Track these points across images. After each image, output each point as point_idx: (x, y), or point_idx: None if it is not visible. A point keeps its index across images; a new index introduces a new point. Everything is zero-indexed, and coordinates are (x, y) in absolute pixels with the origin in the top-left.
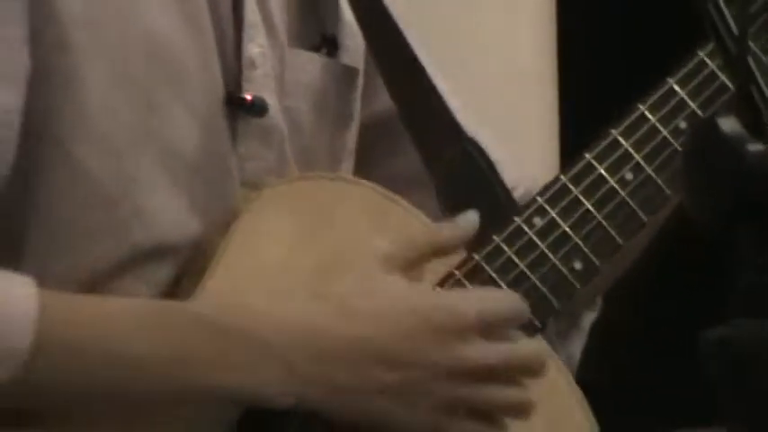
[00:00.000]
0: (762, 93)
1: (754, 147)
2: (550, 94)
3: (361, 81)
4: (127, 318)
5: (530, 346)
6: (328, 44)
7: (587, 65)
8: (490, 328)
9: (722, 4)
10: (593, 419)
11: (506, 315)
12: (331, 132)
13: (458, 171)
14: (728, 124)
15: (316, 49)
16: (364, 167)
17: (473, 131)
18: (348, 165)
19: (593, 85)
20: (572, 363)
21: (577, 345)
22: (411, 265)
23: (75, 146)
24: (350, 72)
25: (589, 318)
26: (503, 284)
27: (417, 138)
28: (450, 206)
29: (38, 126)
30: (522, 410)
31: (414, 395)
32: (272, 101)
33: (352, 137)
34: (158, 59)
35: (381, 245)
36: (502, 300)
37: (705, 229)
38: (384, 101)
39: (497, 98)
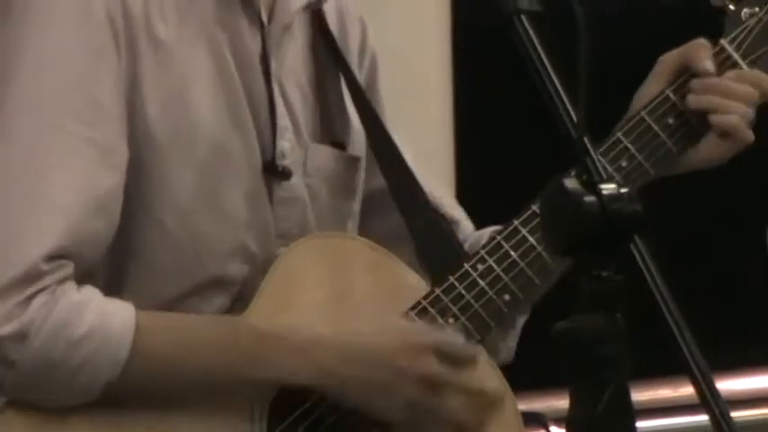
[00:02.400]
0: (593, 162)
1: (588, 198)
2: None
3: (363, 164)
4: (202, 330)
5: (473, 377)
6: (338, 144)
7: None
8: (444, 356)
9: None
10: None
11: (454, 350)
12: (340, 202)
13: (427, 232)
14: (571, 183)
15: (330, 143)
16: (367, 226)
17: (436, 199)
18: (353, 224)
19: (486, 95)
20: (511, 353)
21: (514, 339)
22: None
23: (161, 214)
24: (354, 159)
25: (522, 320)
26: (455, 310)
27: (400, 207)
28: (422, 257)
29: (134, 200)
30: (461, 420)
31: (389, 388)
32: (297, 179)
33: (356, 205)
34: (213, 149)
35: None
36: (452, 340)
37: (555, 255)
38: (380, 180)
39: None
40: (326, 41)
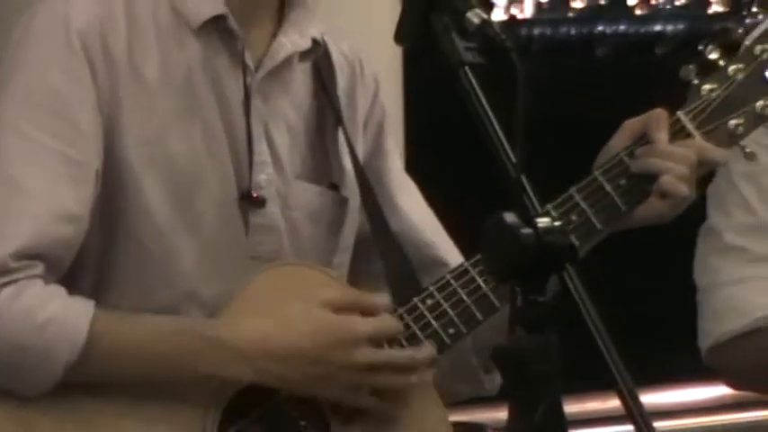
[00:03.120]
0: (531, 200)
1: (525, 230)
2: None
3: (353, 206)
4: (152, 328)
5: (404, 353)
6: (332, 185)
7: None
8: (379, 340)
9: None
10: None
11: (387, 332)
12: (324, 236)
13: (396, 274)
14: (509, 217)
15: (319, 182)
16: (357, 262)
17: (428, 241)
18: (342, 258)
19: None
20: (495, 386)
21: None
22: (340, 308)
23: (139, 234)
24: (342, 200)
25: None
26: (401, 338)
27: (379, 252)
28: (392, 295)
29: (114, 220)
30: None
31: (328, 379)
32: (274, 209)
33: (346, 241)
34: (188, 178)
35: (324, 293)
36: (385, 323)
37: (495, 281)
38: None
39: None
40: (327, 97)
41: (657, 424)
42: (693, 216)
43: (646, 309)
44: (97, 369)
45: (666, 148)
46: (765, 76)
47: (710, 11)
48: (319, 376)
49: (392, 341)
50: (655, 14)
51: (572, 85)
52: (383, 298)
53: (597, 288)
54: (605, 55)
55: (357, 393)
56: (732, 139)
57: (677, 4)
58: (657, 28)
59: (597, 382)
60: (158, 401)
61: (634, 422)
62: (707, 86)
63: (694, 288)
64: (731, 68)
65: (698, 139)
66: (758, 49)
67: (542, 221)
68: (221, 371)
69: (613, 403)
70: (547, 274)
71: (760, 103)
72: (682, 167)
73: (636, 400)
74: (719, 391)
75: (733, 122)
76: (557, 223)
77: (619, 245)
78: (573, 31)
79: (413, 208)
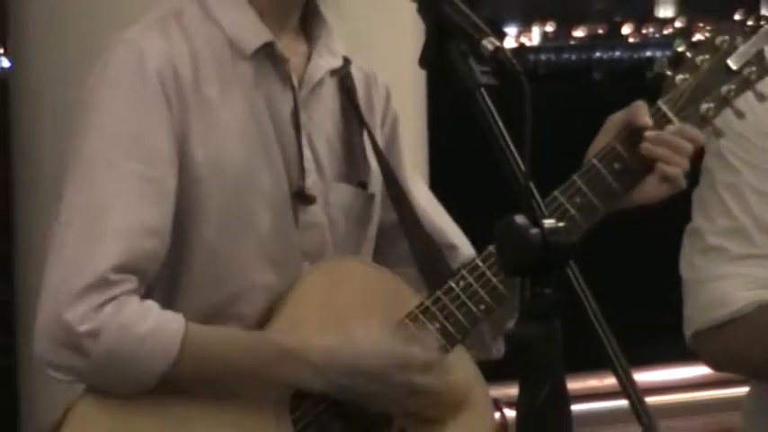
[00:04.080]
0: (538, 204)
1: (533, 231)
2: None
3: (378, 201)
4: (235, 341)
5: (443, 380)
6: (361, 183)
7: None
8: (422, 366)
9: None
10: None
11: (433, 362)
12: (356, 229)
13: (424, 256)
14: (520, 219)
15: (351, 182)
16: (383, 252)
17: (440, 228)
18: (368, 248)
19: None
20: (500, 351)
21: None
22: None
23: (203, 233)
24: (370, 196)
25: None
26: (440, 317)
27: (407, 237)
28: (423, 274)
29: (182, 224)
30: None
31: (383, 395)
32: (318, 208)
33: (371, 232)
34: (247, 183)
35: (377, 311)
36: (426, 356)
37: (509, 275)
38: (393, 216)
39: None
40: (352, 104)
41: (649, 399)
42: (679, 217)
43: (640, 302)
44: (187, 377)
45: (674, 141)
46: (727, 64)
47: (694, 39)
48: (376, 392)
49: (433, 321)
50: (646, 43)
51: (573, 103)
52: (431, 339)
53: (599, 283)
54: (602, 78)
55: (401, 406)
56: (704, 121)
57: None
58: (648, 54)
59: (596, 363)
60: (238, 408)
61: (629, 398)
62: (679, 77)
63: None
64: (698, 59)
65: (676, 123)
66: (719, 40)
67: (548, 223)
68: (296, 379)
69: (610, 381)
70: (551, 269)
71: (725, 88)
72: (685, 161)
73: (630, 378)
74: (701, 370)
75: (704, 106)
76: (561, 224)
77: (615, 247)
78: (574, 57)
79: (425, 199)
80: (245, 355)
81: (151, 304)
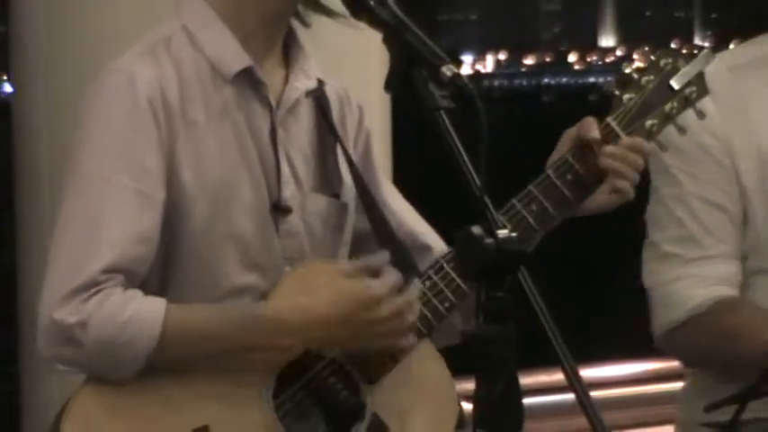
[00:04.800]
0: (493, 216)
1: (488, 240)
2: None
3: (351, 209)
4: (215, 314)
5: (407, 296)
6: (335, 194)
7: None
8: (388, 296)
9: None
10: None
11: (395, 284)
12: (331, 236)
13: (394, 257)
14: (476, 229)
15: (326, 193)
16: (358, 254)
17: (413, 230)
18: (343, 252)
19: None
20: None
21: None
22: (355, 275)
23: (191, 240)
24: (343, 205)
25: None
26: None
27: (377, 241)
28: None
29: (172, 234)
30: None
31: (361, 333)
32: (296, 218)
33: (346, 237)
34: (230, 194)
35: (342, 267)
36: (391, 277)
37: (468, 280)
38: (365, 224)
39: None
40: (327, 122)
41: (594, 393)
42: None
43: (585, 303)
44: (172, 354)
45: (626, 155)
46: (670, 84)
47: (634, 66)
48: (354, 333)
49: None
50: (589, 69)
51: (524, 124)
52: (383, 256)
53: (548, 286)
54: (550, 101)
55: (386, 339)
56: (649, 136)
57: (607, 61)
58: (591, 80)
59: (546, 359)
60: (227, 380)
61: (575, 391)
62: (626, 96)
63: (629, 291)
64: (644, 79)
65: (624, 137)
66: (662, 62)
67: (502, 233)
68: (275, 341)
69: (558, 376)
70: (504, 274)
71: (668, 106)
72: (636, 175)
73: (575, 373)
74: (640, 367)
75: (649, 123)
76: (513, 234)
77: (564, 254)
78: (525, 83)
79: (399, 206)
80: (226, 325)
81: (134, 292)
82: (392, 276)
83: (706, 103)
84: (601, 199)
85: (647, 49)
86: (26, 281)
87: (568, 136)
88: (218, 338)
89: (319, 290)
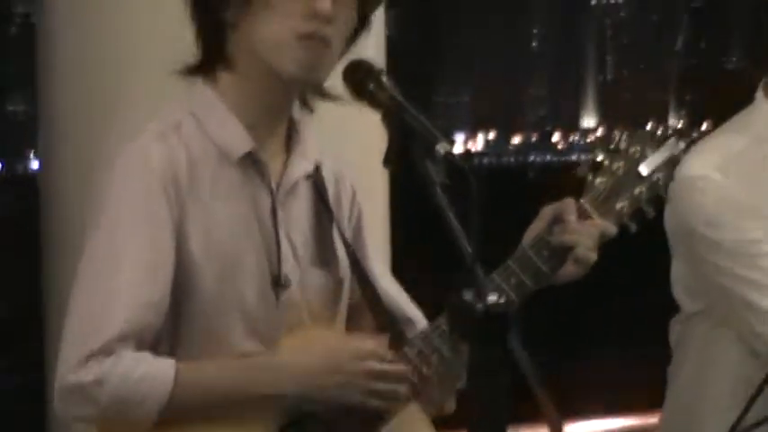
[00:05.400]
0: (483, 283)
1: (479, 305)
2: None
3: (347, 283)
4: (220, 368)
5: (397, 366)
6: (331, 269)
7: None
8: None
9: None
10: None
11: (383, 355)
12: (328, 306)
13: (384, 326)
14: (467, 294)
15: (323, 267)
16: (353, 321)
17: (397, 302)
18: (340, 319)
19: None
20: (452, 408)
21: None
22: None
23: (198, 307)
24: (339, 279)
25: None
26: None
27: (369, 311)
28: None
29: (180, 300)
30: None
31: (347, 385)
32: (295, 290)
33: (342, 307)
34: (235, 266)
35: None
36: (381, 349)
37: (460, 340)
38: (358, 293)
39: None
40: (323, 202)
41: None
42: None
43: (571, 363)
44: (182, 407)
45: (578, 227)
46: (638, 171)
47: (612, 147)
48: (341, 383)
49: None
50: (572, 148)
51: (511, 198)
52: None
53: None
54: (535, 177)
55: (371, 397)
56: (619, 218)
57: (588, 140)
58: (574, 157)
59: (533, 414)
60: (236, 426)
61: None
62: (598, 180)
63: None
64: (614, 165)
65: (596, 218)
66: (631, 150)
67: (491, 298)
68: (274, 387)
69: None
70: (493, 335)
71: (637, 190)
72: (588, 241)
73: (560, 426)
74: (620, 422)
75: (619, 205)
76: (502, 299)
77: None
78: (512, 160)
79: (386, 281)
80: (229, 377)
81: (145, 354)
82: (383, 341)
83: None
84: (570, 270)
85: (622, 131)
86: (53, 332)
87: (546, 212)
88: (225, 389)
89: (312, 344)
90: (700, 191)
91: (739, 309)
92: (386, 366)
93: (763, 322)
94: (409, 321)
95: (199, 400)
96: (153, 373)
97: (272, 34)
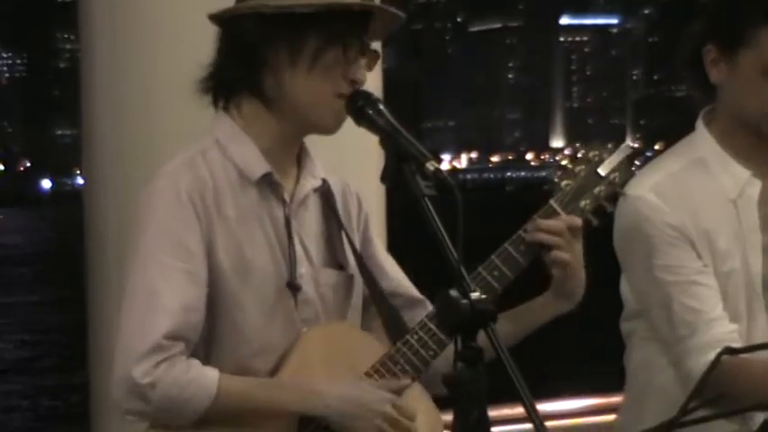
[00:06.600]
0: (467, 282)
1: (464, 301)
2: None
3: (357, 279)
4: (259, 384)
5: (409, 411)
6: (341, 267)
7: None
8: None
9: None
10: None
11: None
12: (341, 302)
13: (388, 317)
14: (453, 292)
15: (334, 267)
16: (366, 316)
17: (405, 287)
18: (353, 314)
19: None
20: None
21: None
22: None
23: (230, 313)
24: (350, 276)
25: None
26: (401, 361)
27: (375, 305)
28: (387, 331)
29: (214, 309)
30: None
31: (364, 418)
32: (310, 290)
33: (355, 302)
34: (257, 274)
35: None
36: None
37: (447, 333)
38: (365, 291)
39: None
40: (332, 211)
41: (547, 423)
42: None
43: (547, 348)
44: (222, 410)
45: (545, 224)
46: (597, 172)
47: (570, 159)
48: (362, 416)
49: (396, 364)
50: (544, 165)
51: (491, 209)
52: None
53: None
54: (512, 191)
55: (378, 428)
56: (583, 214)
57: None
58: (544, 174)
59: (509, 395)
60: (258, 427)
61: (533, 422)
62: (564, 182)
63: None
64: (577, 169)
65: (563, 215)
66: (591, 154)
67: (475, 295)
68: (305, 407)
69: (519, 410)
70: (477, 328)
71: (597, 189)
72: (556, 238)
73: (533, 406)
74: (586, 402)
75: (582, 203)
76: (483, 296)
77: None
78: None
79: (395, 271)
80: (264, 392)
81: (194, 361)
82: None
83: (660, 203)
84: (554, 279)
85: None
86: (96, 339)
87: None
88: (260, 401)
89: (342, 378)
90: (634, 210)
91: (658, 326)
92: (400, 418)
93: (674, 347)
94: (420, 302)
95: (234, 408)
96: (200, 378)
97: (313, 96)
